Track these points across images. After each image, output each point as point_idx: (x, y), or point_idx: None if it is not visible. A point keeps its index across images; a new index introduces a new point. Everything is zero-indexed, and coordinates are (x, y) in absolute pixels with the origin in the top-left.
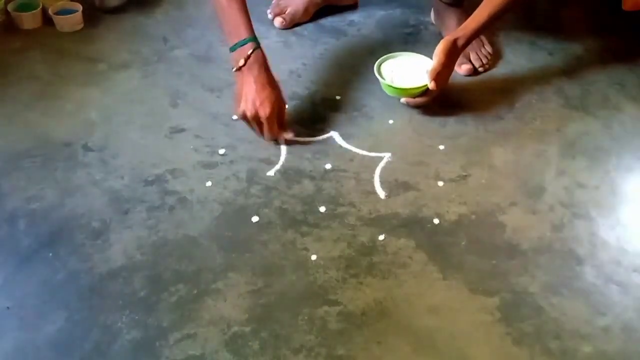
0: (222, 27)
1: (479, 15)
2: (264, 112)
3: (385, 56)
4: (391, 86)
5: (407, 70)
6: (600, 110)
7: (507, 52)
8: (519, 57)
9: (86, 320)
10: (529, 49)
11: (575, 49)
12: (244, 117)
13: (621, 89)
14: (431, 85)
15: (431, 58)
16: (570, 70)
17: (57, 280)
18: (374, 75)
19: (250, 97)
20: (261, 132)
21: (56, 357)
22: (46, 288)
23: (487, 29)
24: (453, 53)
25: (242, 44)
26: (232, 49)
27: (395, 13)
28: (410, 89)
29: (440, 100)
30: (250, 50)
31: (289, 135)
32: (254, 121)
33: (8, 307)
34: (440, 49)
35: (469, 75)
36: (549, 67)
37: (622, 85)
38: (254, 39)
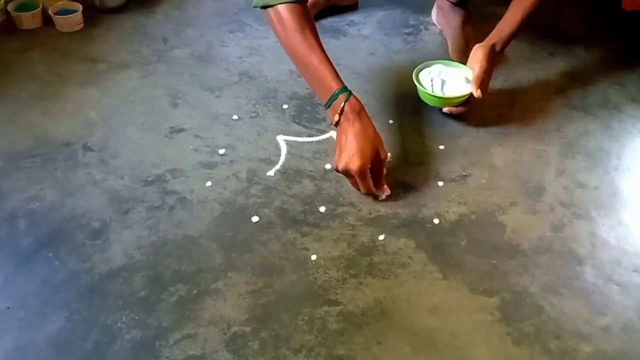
0: (310, 85)
1: (512, 19)
2: (354, 165)
3: (420, 65)
4: (435, 96)
5: (446, 79)
6: (600, 110)
7: (507, 52)
8: (519, 57)
9: (86, 320)
10: (529, 49)
11: (576, 49)
12: (337, 170)
13: (621, 89)
14: (477, 93)
15: (449, 61)
16: (571, 71)
17: (57, 280)
18: (374, 75)
19: (343, 150)
20: (356, 185)
21: (56, 357)
22: (46, 288)
23: (521, 32)
24: (493, 59)
25: (334, 98)
26: (327, 106)
27: (395, 13)
28: (454, 97)
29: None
30: (343, 103)
31: (382, 195)
32: (345, 175)
33: (8, 307)
34: (481, 55)
35: None
36: (549, 67)
37: (622, 85)
38: (344, 89)
